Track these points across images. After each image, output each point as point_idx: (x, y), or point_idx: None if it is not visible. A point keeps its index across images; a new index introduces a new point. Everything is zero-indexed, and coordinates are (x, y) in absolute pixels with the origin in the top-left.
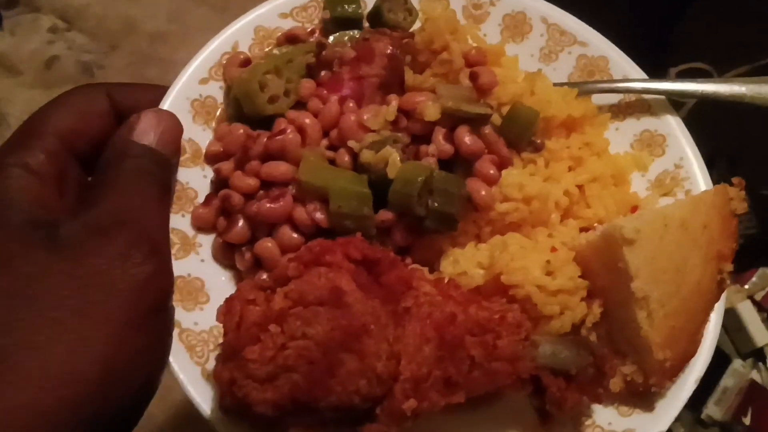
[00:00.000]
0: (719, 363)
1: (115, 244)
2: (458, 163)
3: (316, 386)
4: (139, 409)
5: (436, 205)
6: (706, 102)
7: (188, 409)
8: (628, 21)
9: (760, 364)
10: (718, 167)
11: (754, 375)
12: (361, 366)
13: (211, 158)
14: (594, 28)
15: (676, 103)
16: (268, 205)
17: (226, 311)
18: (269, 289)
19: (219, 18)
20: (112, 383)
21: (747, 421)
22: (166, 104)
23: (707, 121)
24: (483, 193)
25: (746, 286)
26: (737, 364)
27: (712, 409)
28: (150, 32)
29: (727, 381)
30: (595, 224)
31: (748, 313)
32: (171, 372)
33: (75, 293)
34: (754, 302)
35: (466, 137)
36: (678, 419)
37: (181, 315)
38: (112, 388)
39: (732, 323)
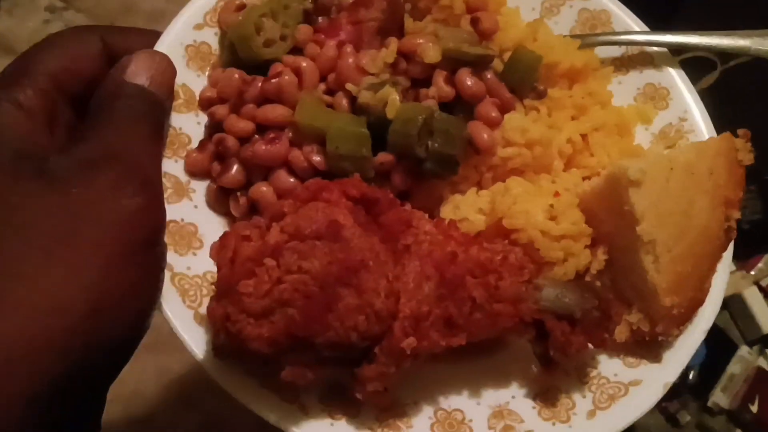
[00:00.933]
0: (726, 350)
1: (106, 176)
2: (459, 107)
3: (313, 321)
4: (128, 347)
5: (436, 146)
6: (711, 88)
7: (183, 389)
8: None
9: (767, 350)
10: None
11: (761, 362)
12: (360, 301)
13: (205, 103)
14: None
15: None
16: (263, 147)
17: (219, 247)
18: (265, 227)
19: None
20: (101, 315)
21: (754, 408)
22: (161, 48)
23: (710, 107)
24: (485, 135)
25: (752, 272)
26: (744, 351)
27: (719, 397)
28: (148, 11)
29: (734, 368)
30: (600, 172)
31: (755, 299)
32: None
33: (64, 223)
34: (761, 288)
35: (468, 79)
36: (684, 407)
37: (173, 259)
38: (101, 321)
39: (738, 310)
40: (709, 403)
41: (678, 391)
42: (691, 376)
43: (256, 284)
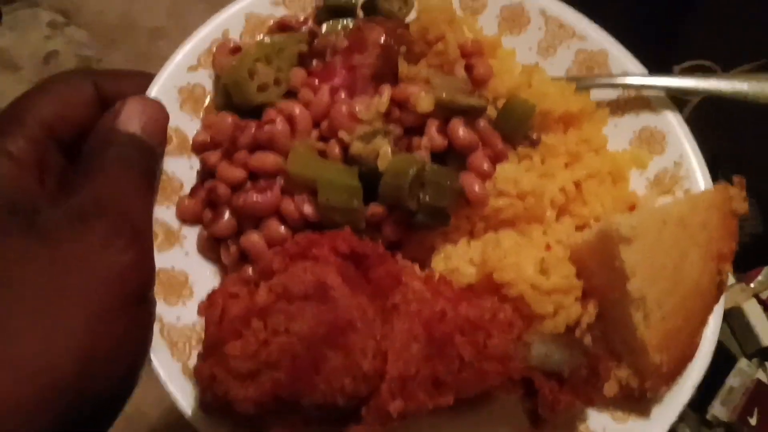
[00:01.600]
0: (725, 363)
1: (95, 230)
2: (451, 157)
3: (300, 383)
4: (118, 403)
5: (427, 198)
6: (710, 99)
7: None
8: (631, 18)
9: (766, 363)
10: (722, 165)
11: (760, 375)
12: (347, 363)
13: (198, 148)
14: (597, 24)
15: (680, 99)
16: (255, 196)
17: (208, 305)
18: (254, 283)
19: None
20: (90, 373)
21: (753, 421)
22: (152, 92)
23: (712, 119)
24: (476, 187)
25: (752, 285)
26: (743, 363)
27: (718, 410)
28: (149, 28)
29: (733, 381)
30: (592, 222)
31: (754, 312)
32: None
33: (53, 279)
34: (760, 301)
35: (460, 130)
36: (683, 419)
37: (163, 309)
38: (90, 378)
39: (738, 322)
40: (708, 416)
41: None
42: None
43: (243, 346)
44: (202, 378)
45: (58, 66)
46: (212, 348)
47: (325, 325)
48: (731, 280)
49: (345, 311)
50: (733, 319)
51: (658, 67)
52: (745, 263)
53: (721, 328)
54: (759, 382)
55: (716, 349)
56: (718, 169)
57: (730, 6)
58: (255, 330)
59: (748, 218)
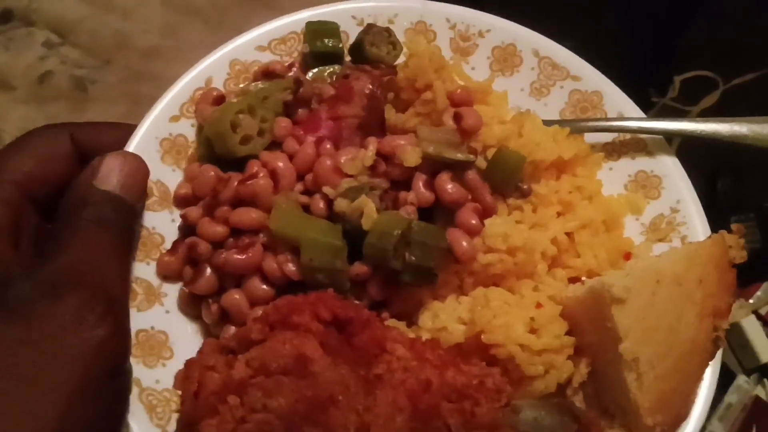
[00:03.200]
0: (723, 379)
1: (67, 304)
2: (439, 211)
3: None
4: None
5: (413, 258)
6: (710, 110)
7: None
8: (632, 30)
9: (765, 380)
10: (723, 180)
11: (759, 391)
12: None
13: (180, 201)
14: (598, 36)
15: (680, 110)
16: (236, 255)
17: (184, 377)
18: (232, 353)
19: (213, 34)
20: None
21: None
22: (132, 145)
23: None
24: (464, 244)
25: (751, 301)
26: (741, 380)
27: (716, 426)
28: (143, 47)
29: (731, 397)
30: (584, 276)
31: (753, 328)
32: None
33: (23, 361)
34: (759, 317)
35: (448, 185)
36: None
37: (141, 372)
38: None
39: (736, 339)
40: None
41: None
42: None
43: (219, 423)
44: None
45: (53, 86)
46: (188, 424)
47: (305, 401)
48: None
49: (326, 386)
50: (732, 335)
51: (658, 79)
52: (743, 278)
53: None
54: (757, 398)
55: None
56: (717, 182)
57: (731, 16)
58: (231, 407)
59: (746, 234)
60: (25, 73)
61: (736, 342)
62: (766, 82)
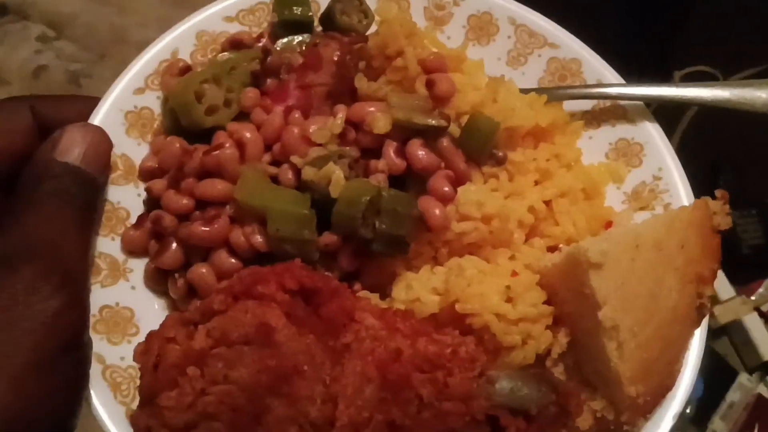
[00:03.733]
0: (725, 377)
1: (20, 276)
2: (411, 180)
3: None
4: None
5: (383, 227)
6: (709, 107)
7: None
8: (631, 25)
9: None
10: (723, 175)
11: (761, 389)
12: (292, 412)
13: (146, 175)
14: (596, 32)
15: (678, 109)
16: (201, 227)
17: (143, 350)
18: (194, 325)
19: None
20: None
21: None
22: (97, 118)
23: (712, 128)
24: (437, 212)
25: (753, 297)
26: (744, 378)
27: (718, 425)
28: (139, 41)
29: (734, 395)
30: (562, 244)
31: (755, 325)
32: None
33: None
34: (761, 314)
35: (419, 151)
36: None
37: (105, 349)
38: None
39: (738, 336)
40: (708, 431)
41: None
42: (688, 411)
43: (178, 396)
44: (139, 429)
45: (48, 80)
46: (148, 397)
47: (268, 372)
48: (731, 292)
49: (290, 355)
50: (734, 332)
51: (658, 74)
52: (745, 275)
53: (722, 342)
54: (760, 396)
55: (716, 364)
56: (719, 178)
57: (729, 12)
58: (191, 378)
59: (748, 230)
60: (20, 67)
61: (739, 340)
62: (765, 77)
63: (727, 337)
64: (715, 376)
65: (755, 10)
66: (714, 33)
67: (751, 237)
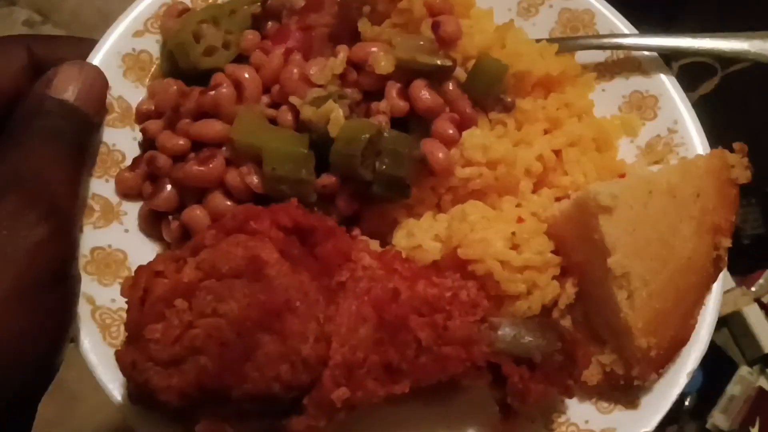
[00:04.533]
0: (726, 370)
1: (6, 203)
2: (415, 123)
3: (228, 371)
4: (33, 394)
5: (383, 167)
6: (710, 95)
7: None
8: (629, 17)
9: None
10: None
11: (762, 382)
12: (283, 348)
13: (142, 117)
14: None
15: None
16: (196, 167)
17: (131, 284)
18: (184, 261)
19: None
20: None
21: (755, 430)
22: (95, 59)
23: (713, 116)
24: (440, 155)
25: (753, 289)
26: (744, 371)
27: (719, 418)
28: None
29: (734, 389)
30: (571, 192)
31: (756, 317)
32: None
33: None
34: (762, 306)
35: (423, 92)
36: (682, 429)
37: (96, 290)
38: None
39: (738, 328)
40: (708, 425)
41: (675, 414)
42: (687, 402)
43: (165, 329)
44: (124, 365)
45: None
46: (134, 333)
47: (259, 306)
48: (731, 283)
49: (282, 290)
50: (734, 324)
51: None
52: (745, 266)
53: (722, 334)
54: (761, 389)
55: (716, 356)
56: None
57: (730, 3)
58: (179, 311)
59: (748, 219)
60: None
61: (739, 332)
62: (763, 69)
63: (727, 329)
64: (715, 369)
65: (753, 3)
66: (712, 25)
67: (751, 227)
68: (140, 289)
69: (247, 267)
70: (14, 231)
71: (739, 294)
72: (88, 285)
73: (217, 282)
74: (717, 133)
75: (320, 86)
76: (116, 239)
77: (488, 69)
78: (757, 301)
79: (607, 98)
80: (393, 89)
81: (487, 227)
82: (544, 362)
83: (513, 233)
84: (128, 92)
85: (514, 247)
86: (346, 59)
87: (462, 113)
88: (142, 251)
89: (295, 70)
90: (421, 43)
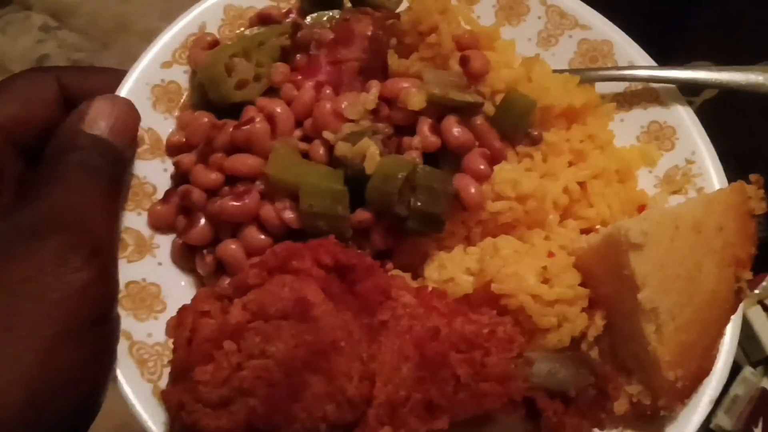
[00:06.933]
0: (729, 371)
1: (48, 246)
2: (445, 158)
3: (277, 412)
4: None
5: (419, 204)
6: (714, 99)
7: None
8: (633, 21)
9: None
10: (728, 168)
11: (765, 383)
12: (329, 388)
13: (173, 150)
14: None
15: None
16: (231, 202)
17: (176, 324)
18: (228, 299)
19: None
20: (39, 405)
21: (758, 430)
22: (123, 90)
23: (716, 120)
24: (472, 190)
25: (756, 291)
26: (747, 371)
27: (722, 419)
28: (141, 31)
29: (737, 389)
30: (598, 225)
31: (759, 319)
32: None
33: (1, 304)
34: (765, 308)
35: (454, 128)
36: None
37: (132, 326)
38: (39, 411)
39: (742, 330)
40: (712, 425)
41: None
42: None
43: (214, 371)
44: (171, 405)
45: None
46: (181, 373)
47: (306, 347)
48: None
49: (327, 331)
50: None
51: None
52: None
53: None
54: (764, 390)
55: None
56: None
57: (734, 7)
58: (227, 353)
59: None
60: (22, 56)
61: (742, 333)
62: None
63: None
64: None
65: (757, 8)
66: (715, 30)
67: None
68: (187, 329)
69: (295, 308)
70: (60, 275)
71: None
72: (124, 320)
73: (264, 323)
74: (721, 138)
75: (352, 121)
76: (150, 273)
77: (517, 104)
78: (761, 303)
79: (625, 128)
80: (425, 125)
81: (519, 262)
82: (578, 396)
83: (544, 267)
84: (158, 124)
85: (545, 281)
86: (378, 95)
87: (492, 148)
88: (175, 284)
89: (328, 105)
90: (452, 78)
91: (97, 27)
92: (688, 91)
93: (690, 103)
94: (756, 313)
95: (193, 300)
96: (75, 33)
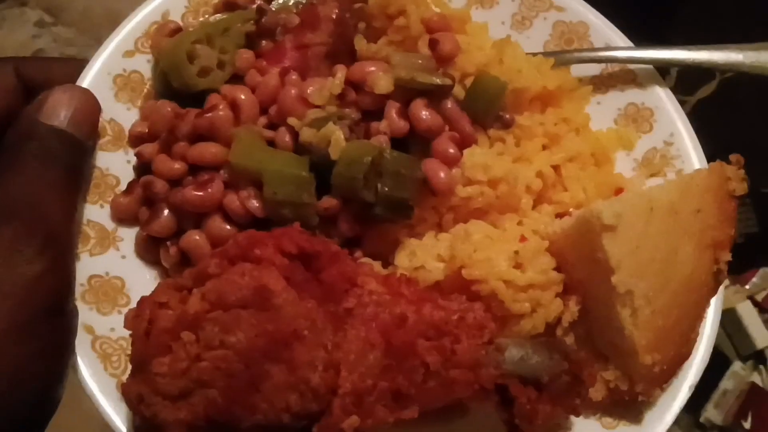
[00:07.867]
0: (719, 365)
1: (1, 237)
2: (414, 142)
3: (237, 403)
4: (34, 427)
5: (386, 189)
6: (705, 100)
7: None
8: (627, 20)
9: (761, 366)
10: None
11: (755, 377)
12: (292, 378)
13: (136, 140)
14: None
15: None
16: (194, 192)
17: (134, 315)
18: (187, 290)
19: None
20: None
21: (747, 425)
22: (85, 81)
23: (707, 119)
24: (441, 175)
25: (747, 287)
26: (737, 366)
27: (711, 413)
28: None
29: (727, 384)
30: (572, 210)
31: (749, 314)
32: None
33: None
34: (755, 303)
35: (423, 112)
36: (676, 422)
37: (95, 320)
38: None
39: (732, 325)
40: (702, 419)
41: None
42: None
43: (171, 362)
44: (130, 398)
45: None
46: (139, 365)
47: (266, 336)
48: (726, 281)
49: (289, 319)
50: (728, 321)
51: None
52: (739, 264)
53: None
54: (753, 384)
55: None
56: None
57: (728, 6)
58: (185, 344)
59: (742, 218)
60: (17, 51)
61: (732, 328)
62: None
63: (721, 325)
64: (709, 364)
65: (752, 6)
66: (711, 29)
67: (745, 226)
68: (145, 320)
69: (254, 297)
70: (11, 266)
71: (733, 291)
72: (86, 314)
73: (223, 313)
74: (715, 136)
75: (318, 107)
76: (113, 266)
77: (488, 87)
78: (751, 298)
79: (602, 111)
80: (393, 109)
81: (490, 247)
82: (551, 383)
83: (516, 252)
84: (120, 114)
85: (518, 266)
86: (344, 79)
87: (462, 132)
88: (140, 277)
89: (293, 91)
90: (420, 61)
91: (91, 22)
92: (683, 89)
93: (684, 103)
94: (746, 308)
95: (153, 291)
96: (69, 28)
